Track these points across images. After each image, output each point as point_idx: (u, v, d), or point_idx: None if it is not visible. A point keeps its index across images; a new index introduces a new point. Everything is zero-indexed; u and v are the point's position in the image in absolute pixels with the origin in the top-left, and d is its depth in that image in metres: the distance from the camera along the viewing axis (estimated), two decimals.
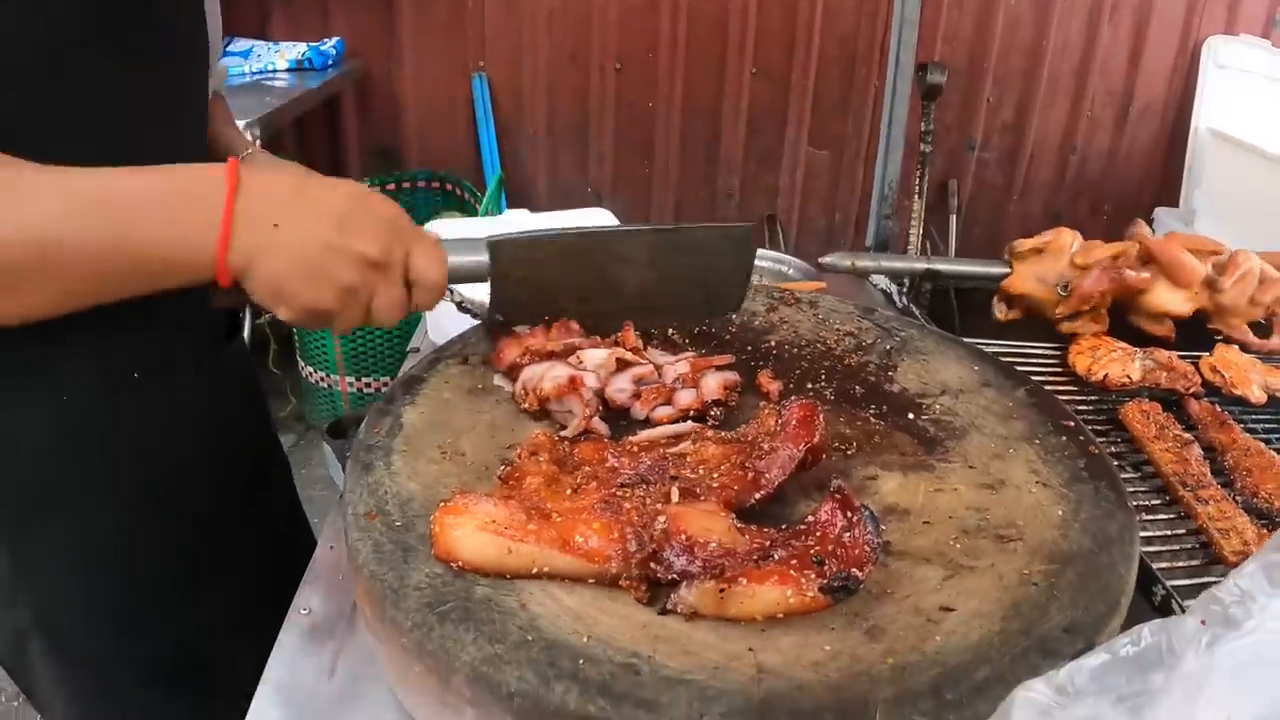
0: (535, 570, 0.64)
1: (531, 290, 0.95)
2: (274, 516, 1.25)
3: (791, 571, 0.62)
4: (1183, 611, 0.89)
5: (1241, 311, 1.52)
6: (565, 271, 0.95)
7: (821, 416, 0.77)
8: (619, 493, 0.70)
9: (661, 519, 0.65)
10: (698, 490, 0.71)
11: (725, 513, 0.69)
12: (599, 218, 1.91)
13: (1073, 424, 0.98)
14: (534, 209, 3.55)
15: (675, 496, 0.69)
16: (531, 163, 3.51)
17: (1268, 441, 1.25)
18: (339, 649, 0.79)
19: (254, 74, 2.94)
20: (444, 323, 1.31)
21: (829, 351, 1.08)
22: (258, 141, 2.69)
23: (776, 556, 0.65)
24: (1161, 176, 3.55)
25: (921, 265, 1.51)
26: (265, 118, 2.49)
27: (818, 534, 0.67)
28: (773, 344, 1.09)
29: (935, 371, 1.06)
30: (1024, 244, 1.46)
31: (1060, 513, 0.81)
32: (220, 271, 0.72)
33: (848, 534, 0.66)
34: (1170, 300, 1.50)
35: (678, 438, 0.82)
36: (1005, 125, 3.51)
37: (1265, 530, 1.02)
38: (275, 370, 2.98)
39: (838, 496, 0.69)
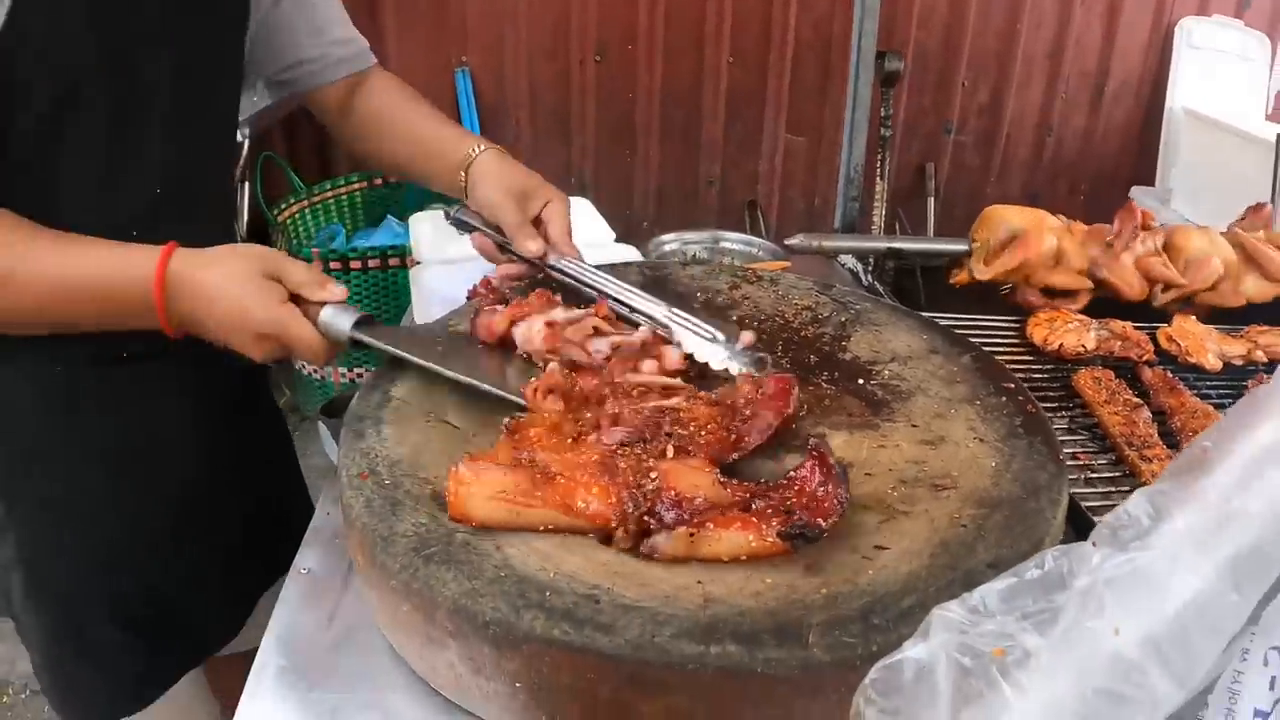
0: (543, 528, 0.72)
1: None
2: (268, 485, 1.32)
3: (754, 519, 0.70)
4: None
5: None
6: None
7: (796, 389, 0.85)
8: (616, 451, 0.77)
9: (654, 475, 0.73)
10: (689, 448, 0.79)
11: (710, 468, 0.77)
12: (579, 206, 1.97)
13: (1013, 386, 1.04)
14: None
15: (670, 453, 0.77)
16: (514, 154, 3.51)
17: (1220, 406, 1.32)
18: (336, 603, 0.86)
19: None
20: (429, 306, 1.38)
21: (787, 324, 1.15)
22: (245, 142, 2.73)
23: (755, 508, 0.72)
24: (1137, 156, 3.61)
25: (883, 244, 1.58)
26: (252, 118, 2.54)
27: (795, 488, 0.75)
28: (734, 319, 1.16)
29: (886, 341, 1.12)
30: (997, 267, 1.52)
31: (993, 464, 0.88)
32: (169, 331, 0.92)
33: (822, 489, 0.74)
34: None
35: (670, 390, 0.89)
36: (981, 107, 3.58)
37: None
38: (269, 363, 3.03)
39: (815, 455, 0.76)
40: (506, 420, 0.82)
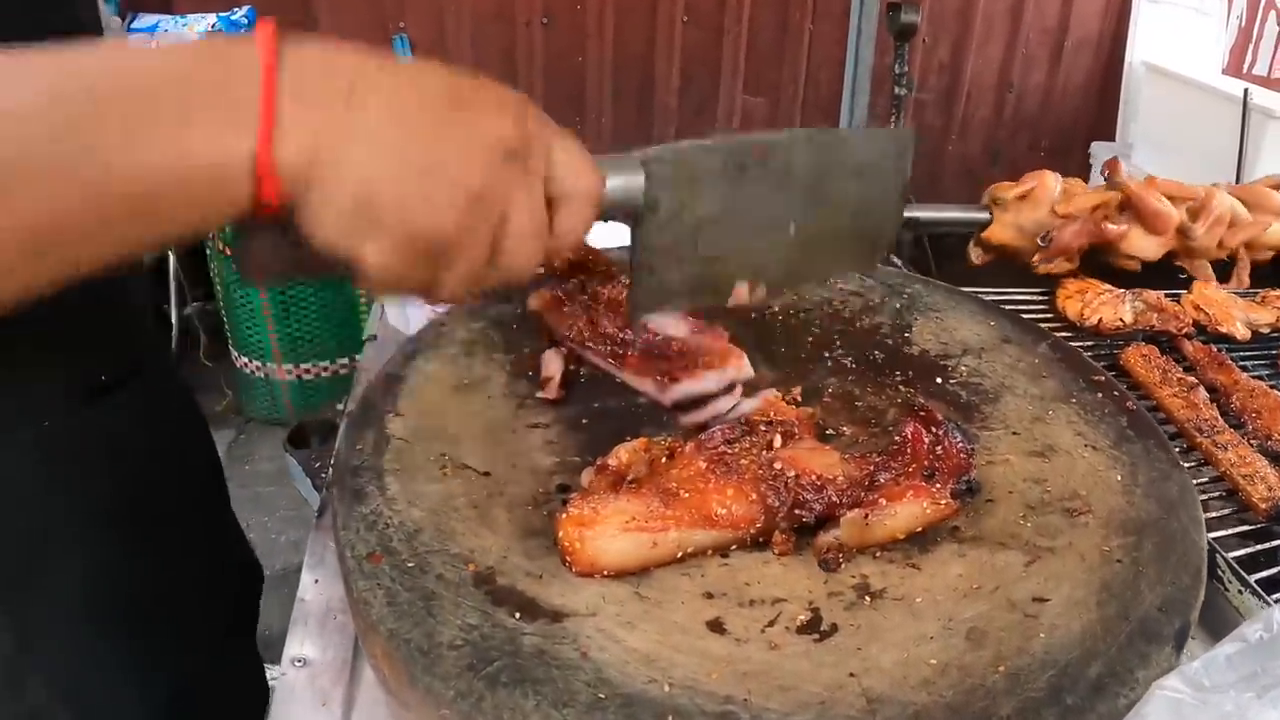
0: (680, 554, 0.62)
1: (680, 235, 0.66)
2: (231, 529, 1.15)
3: (923, 484, 0.66)
4: (1228, 565, 0.86)
5: (1209, 254, 1.51)
6: (721, 204, 0.67)
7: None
8: (726, 450, 0.67)
9: (778, 464, 0.65)
10: (795, 430, 0.70)
11: (827, 446, 0.70)
12: None
13: (1103, 378, 0.93)
14: None
15: (778, 441, 0.69)
16: None
17: (1258, 377, 1.23)
18: (346, 705, 0.68)
19: None
20: (408, 309, 1.19)
21: (838, 314, 1.01)
22: None
23: (883, 478, 0.67)
24: (1097, 110, 3.56)
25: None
26: None
27: (909, 451, 0.69)
28: (777, 309, 1.01)
29: (951, 330, 0.99)
30: (1006, 190, 1.41)
31: (1119, 478, 0.76)
32: (264, 177, 0.43)
33: (938, 446, 0.69)
34: (1144, 246, 1.48)
35: None
36: (942, 65, 3.47)
37: None
38: (208, 363, 2.78)
39: (921, 415, 0.72)
40: (590, 466, 0.69)
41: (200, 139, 0.43)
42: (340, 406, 0.87)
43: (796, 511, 0.64)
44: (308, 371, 2.70)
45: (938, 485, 0.66)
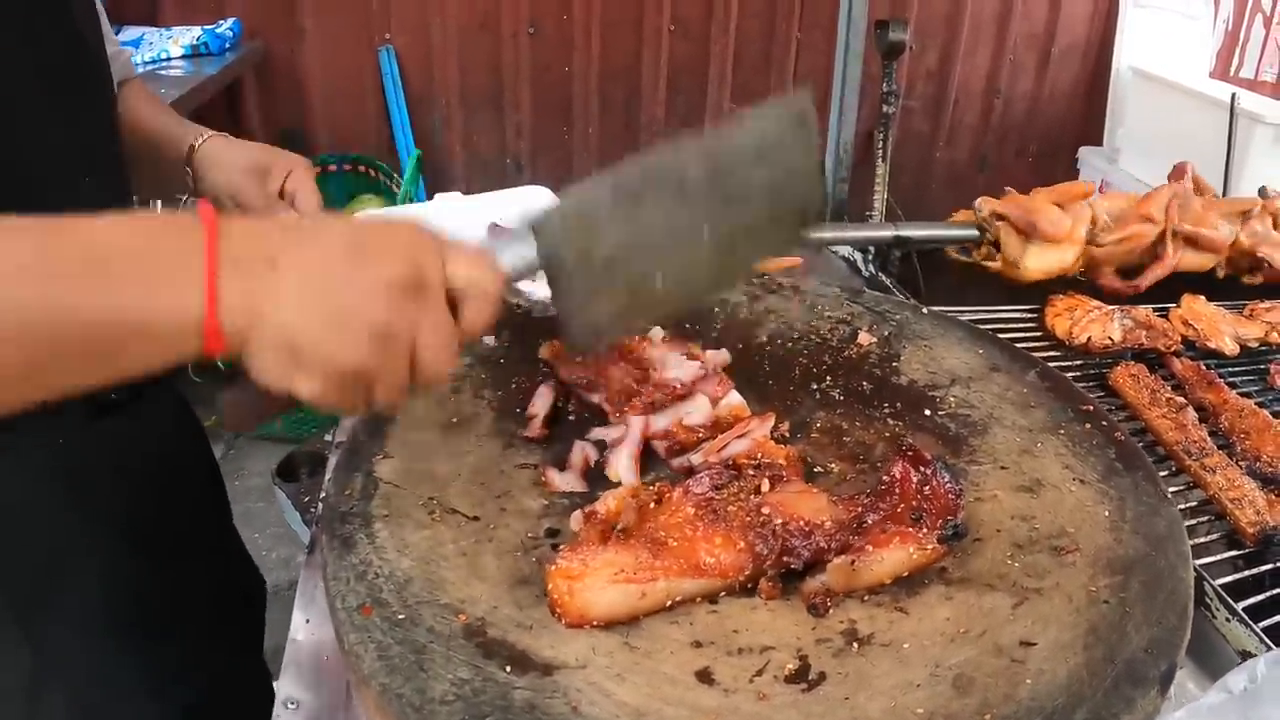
0: (669, 603, 0.63)
1: (593, 276, 0.67)
2: (233, 540, 1.16)
3: (909, 529, 0.66)
4: (1215, 593, 0.86)
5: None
6: (625, 235, 0.68)
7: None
8: (714, 496, 0.67)
9: (765, 509, 0.66)
10: (782, 474, 0.71)
11: (815, 489, 0.71)
12: (539, 196, 1.79)
13: (1091, 407, 0.93)
14: (451, 185, 3.38)
15: (766, 486, 0.69)
16: (446, 137, 3.33)
17: (1245, 394, 1.23)
18: None
19: (146, 64, 2.66)
20: None
21: (825, 343, 1.01)
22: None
23: (870, 520, 0.67)
24: (1085, 116, 3.58)
25: (889, 233, 1.45)
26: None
27: (897, 492, 0.70)
28: (764, 339, 1.02)
29: (940, 358, 1.00)
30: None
31: (1107, 513, 0.77)
32: (210, 335, 0.53)
33: (926, 487, 0.70)
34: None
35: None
36: (929, 72, 3.48)
37: (1274, 496, 0.99)
38: (196, 378, 2.76)
39: (909, 454, 0.71)
40: (580, 511, 0.69)
41: (160, 304, 0.53)
42: (329, 438, 0.88)
43: (784, 558, 0.64)
44: None
45: (924, 530, 0.66)
